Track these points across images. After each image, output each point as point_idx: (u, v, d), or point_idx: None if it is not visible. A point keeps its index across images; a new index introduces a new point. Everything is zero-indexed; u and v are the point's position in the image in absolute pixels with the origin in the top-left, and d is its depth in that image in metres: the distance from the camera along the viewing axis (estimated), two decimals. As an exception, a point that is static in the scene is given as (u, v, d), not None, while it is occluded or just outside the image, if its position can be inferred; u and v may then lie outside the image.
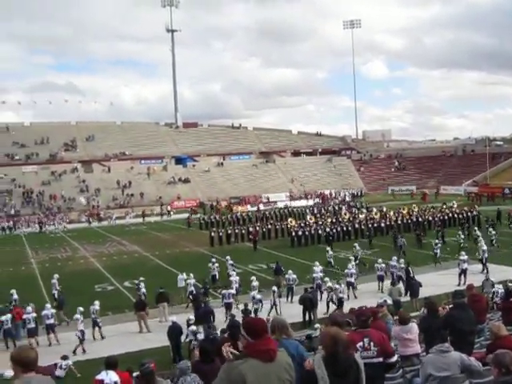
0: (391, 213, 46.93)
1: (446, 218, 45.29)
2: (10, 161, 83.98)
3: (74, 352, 19.37)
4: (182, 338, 18.40)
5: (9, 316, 20.87)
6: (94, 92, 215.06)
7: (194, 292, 24.72)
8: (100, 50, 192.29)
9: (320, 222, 44.40)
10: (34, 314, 20.78)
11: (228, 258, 30.84)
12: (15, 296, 24.12)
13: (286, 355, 4.54)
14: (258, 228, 44.56)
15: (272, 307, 22.61)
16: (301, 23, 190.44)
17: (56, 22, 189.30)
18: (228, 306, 22.72)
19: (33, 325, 20.54)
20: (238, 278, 26.13)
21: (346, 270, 26.35)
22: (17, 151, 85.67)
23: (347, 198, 74.59)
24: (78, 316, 20.36)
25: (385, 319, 11.74)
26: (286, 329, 5.56)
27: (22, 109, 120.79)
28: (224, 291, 23.52)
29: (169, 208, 71.50)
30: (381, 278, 25.97)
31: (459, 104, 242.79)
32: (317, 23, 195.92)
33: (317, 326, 16.49)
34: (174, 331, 18.50)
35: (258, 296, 22.45)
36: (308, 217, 49.27)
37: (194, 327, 18.29)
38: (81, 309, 21.04)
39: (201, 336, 17.45)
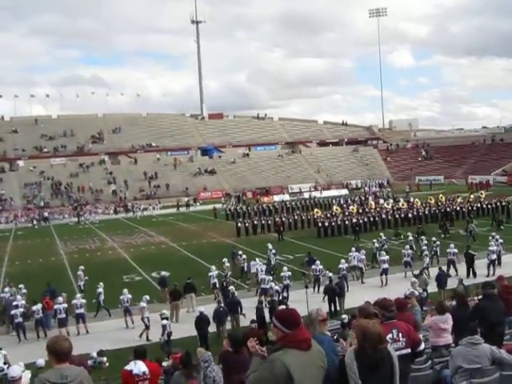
0: (418, 203, 46.57)
1: (475, 208, 44.77)
2: (39, 153, 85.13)
3: (140, 336, 19.81)
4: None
5: (40, 306, 21.21)
6: (121, 84, 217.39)
7: (217, 283, 24.89)
8: (126, 43, 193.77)
9: (346, 213, 44.22)
10: (65, 305, 21.06)
11: (269, 245, 30.97)
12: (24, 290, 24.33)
13: (316, 343, 4.56)
14: (283, 218, 44.55)
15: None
16: (326, 13, 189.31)
17: (83, 16, 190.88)
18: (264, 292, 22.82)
19: (63, 315, 20.82)
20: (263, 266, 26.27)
21: (380, 258, 26.71)
22: (45, 144, 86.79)
23: (374, 189, 74.16)
24: (143, 304, 20.64)
25: (412, 310, 11.66)
26: (321, 323, 5.56)
27: (50, 102, 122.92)
28: (261, 276, 23.62)
29: (191, 199, 72.01)
30: (452, 262, 26.04)
31: (488, 92, 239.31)
32: (342, 12, 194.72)
33: (344, 316, 16.44)
34: (202, 321, 18.62)
35: (276, 287, 22.47)
36: (334, 207, 49.08)
37: (165, 321, 18.76)
38: (147, 297, 21.39)
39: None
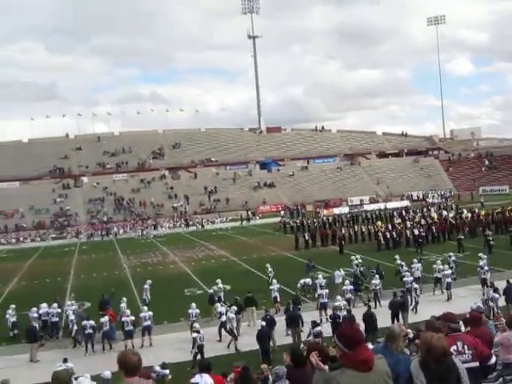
0: (482, 213, 45.34)
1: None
2: (102, 169, 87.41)
3: (228, 346, 20.10)
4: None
5: (106, 318, 21.68)
6: (179, 101, 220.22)
7: (278, 297, 24.83)
8: (183, 60, 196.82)
9: (408, 225, 43.41)
10: (133, 317, 21.45)
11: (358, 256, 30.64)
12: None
13: (385, 363, 4.42)
14: (344, 231, 44.14)
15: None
16: (381, 23, 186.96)
17: (140, 35, 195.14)
18: (324, 307, 22.71)
19: (131, 327, 21.20)
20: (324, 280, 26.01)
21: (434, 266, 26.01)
22: (108, 160, 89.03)
23: (436, 200, 72.68)
24: (231, 315, 20.92)
25: (486, 325, 11.28)
26: (396, 341, 5.43)
27: (112, 119, 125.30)
28: (320, 291, 23.41)
29: (252, 213, 72.51)
30: None
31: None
32: (398, 22, 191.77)
33: (408, 331, 16.09)
34: (263, 335, 18.59)
35: (344, 302, 22.10)
36: (395, 219, 48.29)
37: (195, 334, 18.88)
38: (235, 308, 21.60)
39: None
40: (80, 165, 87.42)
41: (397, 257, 29.73)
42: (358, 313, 20.18)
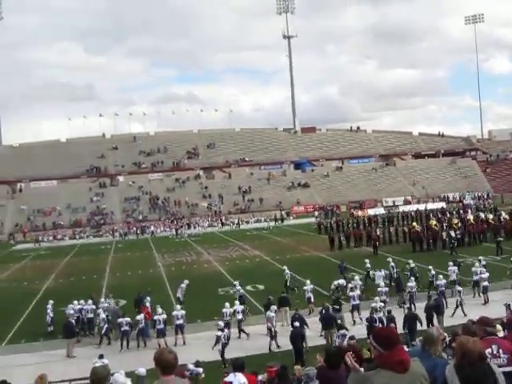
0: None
1: None
2: (138, 169, 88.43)
3: (270, 349, 20.02)
4: None
5: (142, 316, 21.92)
6: (214, 101, 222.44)
7: (312, 298, 24.78)
8: (218, 61, 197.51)
9: (444, 226, 42.82)
10: (164, 316, 21.62)
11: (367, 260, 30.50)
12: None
13: (421, 366, 4.37)
14: (378, 232, 43.81)
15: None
16: (418, 22, 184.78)
17: (176, 36, 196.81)
18: (355, 308, 22.58)
19: (162, 325, 21.36)
20: (360, 282, 25.84)
21: (473, 269, 25.57)
22: (143, 160, 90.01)
23: (472, 201, 71.57)
24: (271, 314, 20.96)
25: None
26: (434, 344, 5.35)
27: (148, 119, 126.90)
28: (351, 293, 23.28)
29: (286, 213, 72.45)
30: None
31: None
32: (435, 21, 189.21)
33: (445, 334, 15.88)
34: (297, 335, 18.56)
35: (382, 304, 21.86)
36: (431, 221, 47.65)
37: (220, 332, 19.00)
38: (274, 307, 21.62)
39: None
40: (116, 164, 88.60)
41: (390, 261, 29.30)
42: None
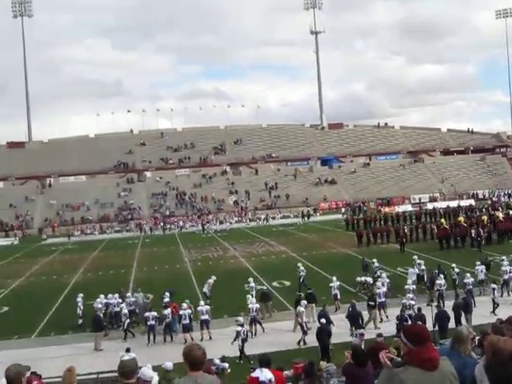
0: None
1: None
2: (165, 165, 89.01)
3: (299, 343, 20.02)
4: None
5: (169, 310, 22.07)
6: (241, 97, 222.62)
7: (338, 295, 24.71)
8: (245, 57, 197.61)
9: (473, 224, 42.26)
10: (190, 311, 21.73)
11: (375, 260, 30.26)
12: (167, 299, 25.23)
13: (450, 364, 4.30)
14: (406, 229, 43.47)
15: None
16: (447, 17, 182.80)
17: (203, 32, 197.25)
18: (381, 306, 22.43)
19: (187, 321, 21.48)
20: (388, 280, 25.63)
21: (502, 268, 25.19)
22: (170, 155, 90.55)
23: (502, 199, 70.54)
24: (301, 309, 21.05)
25: None
26: (464, 343, 5.27)
27: (175, 115, 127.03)
28: (378, 290, 23.13)
29: (313, 209, 72.20)
30: None
31: None
32: (464, 15, 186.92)
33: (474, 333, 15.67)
34: (323, 332, 18.52)
35: (412, 302, 21.63)
36: (460, 218, 47.07)
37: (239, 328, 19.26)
38: (305, 302, 21.72)
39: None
40: (144, 160, 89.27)
41: (416, 259, 28.87)
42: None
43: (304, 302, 21.67)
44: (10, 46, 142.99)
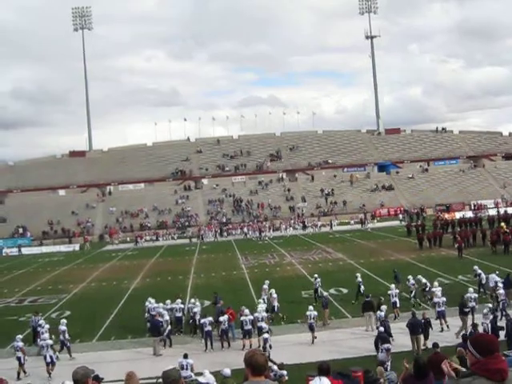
0: None
1: None
2: (221, 172, 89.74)
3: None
4: None
5: (226, 317, 22.19)
6: (296, 103, 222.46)
7: (398, 303, 24.31)
8: (299, 64, 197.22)
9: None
10: (251, 317, 21.79)
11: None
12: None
13: None
14: (463, 235, 42.55)
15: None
16: (506, 18, 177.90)
17: (257, 40, 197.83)
18: (441, 315, 22.00)
19: (250, 326, 21.57)
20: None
21: None
22: (227, 162, 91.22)
23: None
24: (382, 314, 21.07)
25: None
26: None
27: (230, 123, 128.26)
28: (437, 299, 22.63)
29: (371, 216, 71.33)
30: None
31: None
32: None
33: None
34: (381, 340, 18.25)
35: (485, 310, 20.99)
36: (502, 224, 45.66)
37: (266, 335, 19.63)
38: (384, 307, 21.69)
39: None
40: (200, 167, 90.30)
41: (477, 269, 27.84)
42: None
43: (384, 306, 21.47)
44: (72, 57, 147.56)
